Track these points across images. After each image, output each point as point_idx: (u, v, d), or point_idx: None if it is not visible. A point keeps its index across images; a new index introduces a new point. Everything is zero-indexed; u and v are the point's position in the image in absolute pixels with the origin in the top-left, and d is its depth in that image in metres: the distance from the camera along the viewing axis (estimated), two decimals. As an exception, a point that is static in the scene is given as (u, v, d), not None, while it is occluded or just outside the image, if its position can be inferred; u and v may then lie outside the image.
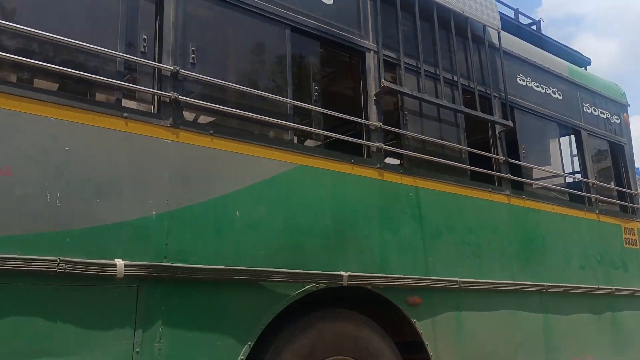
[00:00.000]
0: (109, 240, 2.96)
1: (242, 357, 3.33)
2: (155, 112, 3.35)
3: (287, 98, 3.93)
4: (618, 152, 6.79)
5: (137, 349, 2.98)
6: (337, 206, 3.93)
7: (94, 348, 2.85)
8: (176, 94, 3.36)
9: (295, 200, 3.74)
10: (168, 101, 3.34)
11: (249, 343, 3.37)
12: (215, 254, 3.32)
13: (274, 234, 3.58)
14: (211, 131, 3.47)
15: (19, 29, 2.93)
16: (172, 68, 3.37)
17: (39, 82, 3.09)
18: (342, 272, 3.80)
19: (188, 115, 3.56)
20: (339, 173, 4.00)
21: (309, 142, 4.79)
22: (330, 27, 4.27)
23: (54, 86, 3.13)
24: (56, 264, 2.76)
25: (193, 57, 3.52)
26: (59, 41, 3.04)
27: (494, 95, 5.32)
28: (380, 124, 4.36)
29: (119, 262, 2.94)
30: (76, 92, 3.13)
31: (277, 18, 3.98)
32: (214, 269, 3.28)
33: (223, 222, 3.40)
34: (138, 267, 3.01)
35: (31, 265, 2.70)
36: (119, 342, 2.94)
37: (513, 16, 6.69)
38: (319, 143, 4.81)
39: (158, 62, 3.37)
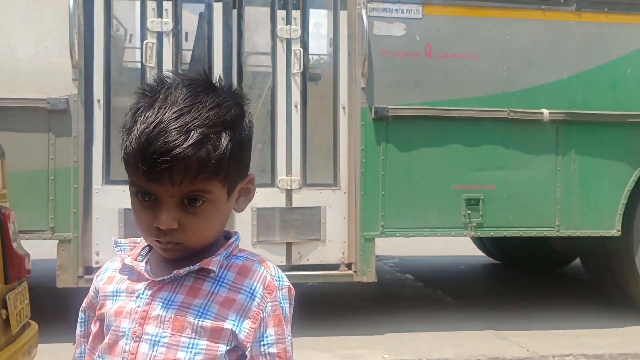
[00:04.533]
0: (538, 96, 4.42)
1: (634, 179, 4.53)
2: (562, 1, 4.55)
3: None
4: None
5: (559, 168, 4.47)
6: None
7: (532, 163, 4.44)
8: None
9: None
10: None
11: (639, 168, 4.54)
12: (612, 103, 4.50)
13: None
14: (605, 9, 4.51)
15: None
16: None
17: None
18: None
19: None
20: None
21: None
22: None
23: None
24: (507, 113, 4.36)
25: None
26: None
27: None
28: None
29: (545, 111, 4.40)
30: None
31: None
32: (611, 114, 4.48)
33: (617, 79, 4.52)
34: (557, 114, 4.42)
35: (492, 114, 4.35)
36: (545, 164, 4.46)
37: None
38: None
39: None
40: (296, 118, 4.35)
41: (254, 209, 4.22)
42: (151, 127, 0.91)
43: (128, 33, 5.12)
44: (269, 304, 1.02)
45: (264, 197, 4.25)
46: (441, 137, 4.34)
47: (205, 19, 4.39)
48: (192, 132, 0.91)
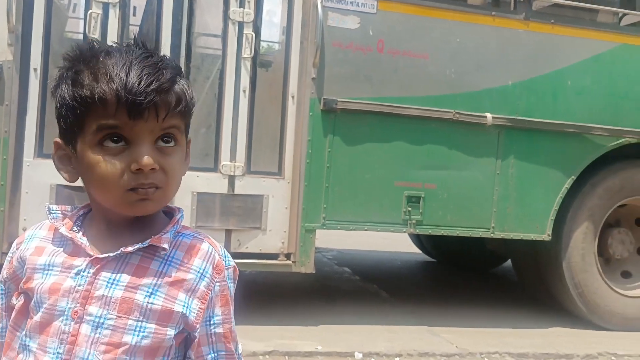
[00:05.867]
0: (484, 100, 4.52)
1: (566, 186, 4.71)
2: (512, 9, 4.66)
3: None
4: None
5: (498, 172, 4.60)
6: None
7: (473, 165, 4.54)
8: (528, -6, 4.60)
9: (616, 72, 4.76)
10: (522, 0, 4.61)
11: (572, 177, 4.72)
12: (552, 112, 4.66)
13: (597, 99, 4.73)
14: (552, 20, 4.65)
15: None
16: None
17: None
18: (652, 130, 4.80)
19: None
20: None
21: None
22: None
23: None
24: (452, 114, 4.43)
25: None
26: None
27: None
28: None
29: (488, 115, 4.50)
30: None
31: None
32: (551, 122, 4.63)
33: (558, 89, 4.67)
34: (500, 119, 4.53)
35: (438, 114, 4.42)
36: (485, 167, 4.57)
37: None
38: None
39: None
40: (244, 103, 4.27)
41: (195, 193, 4.12)
42: (133, 66, 0.91)
43: (72, 1, 4.88)
44: (217, 284, 1.00)
45: (206, 182, 4.17)
46: (387, 133, 4.37)
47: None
48: (164, 71, 0.94)
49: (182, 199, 4.03)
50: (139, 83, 0.90)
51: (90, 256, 0.96)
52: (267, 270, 4.61)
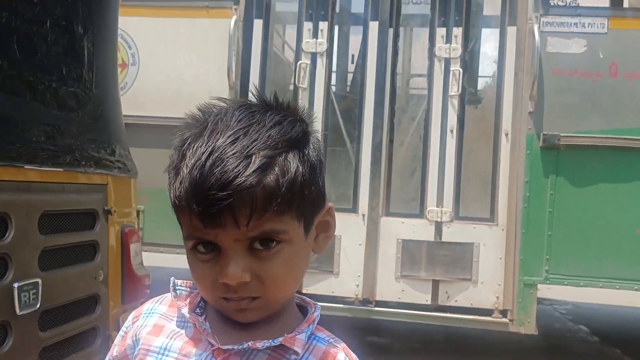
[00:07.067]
0: None
1: None
2: None
3: None
4: None
5: None
6: None
7: None
8: None
9: None
10: None
11: None
12: None
13: None
14: None
15: None
16: None
17: None
18: None
19: None
20: None
21: None
22: None
23: None
24: None
25: None
26: None
27: None
28: None
29: None
30: None
31: None
32: None
33: None
34: None
35: None
36: None
37: None
38: None
39: None
40: (451, 144, 3.99)
41: (399, 240, 3.93)
42: (203, 158, 0.73)
43: (283, 55, 5.18)
44: None
45: (411, 228, 3.95)
46: (624, 171, 3.68)
47: (360, 39, 4.25)
48: (254, 157, 0.73)
49: (387, 247, 3.88)
50: (205, 184, 0.72)
51: (213, 346, 0.83)
52: (480, 327, 4.17)
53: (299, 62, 4.13)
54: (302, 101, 4.09)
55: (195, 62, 4.19)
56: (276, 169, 0.74)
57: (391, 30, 4.11)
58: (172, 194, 0.77)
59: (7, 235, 1.70)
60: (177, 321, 0.89)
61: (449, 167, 3.98)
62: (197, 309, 0.88)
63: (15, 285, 1.73)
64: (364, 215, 3.95)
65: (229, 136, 0.75)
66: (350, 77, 4.59)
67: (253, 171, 0.72)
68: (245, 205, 0.72)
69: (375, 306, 3.94)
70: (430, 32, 4.15)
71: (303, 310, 0.89)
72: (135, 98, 4.15)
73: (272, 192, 0.73)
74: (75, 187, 1.97)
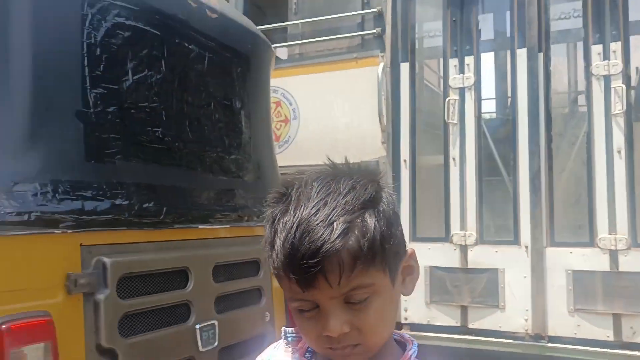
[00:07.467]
0: None
1: None
2: None
3: None
4: None
5: None
6: None
7: None
8: None
9: None
10: None
11: None
12: None
13: None
14: None
15: None
16: None
17: None
18: None
19: None
20: None
21: None
22: None
23: None
24: None
25: None
26: None
27: None
28: None
29: None
30: None
31: None
32: None
33: None
34: None
35: None
36: None
37: None
38: None
39: None
40: (619, 166, 3.71)
41: (569, 272, 3.72)
42: (293, 232, 0.85)
43: (432, 92, 5.24)
44: None
45: (582, 258, 3.72)
46: None
47: (509, 67, 4.18)
48: (335, 223, 0.83)
49: (556, 279, 3.71)
50: (298, 254, 0.83)
51: None
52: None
53: (447, 98, 4.19)
54: (454, 136, 4.13)
55: (348, 110, 4.46)
56: (356, 231, 0.83)
57: (541, 55, 3.99)
58: (271, 266, 0.90)
59: (188, 285, 2.03)
60: None
61: (619, 191, 3.70)
62: (307, 354, 1.01)
63: (197, 326, 2.04)
64: (527, 247, 3.81)
65: (312, 208, 0.85)
66: (500, 106, 4.51)
67: (337, 237, 0.82)
68: (334, 267, 0.82)
69: (549, 342, 3.75)
70: (584, 50, 3.95)
71: (402, 345, 0.97)
72: (299, 149, 4.53)
73: (356, 253, 0.83)
74: (240, 240, 2.28)
